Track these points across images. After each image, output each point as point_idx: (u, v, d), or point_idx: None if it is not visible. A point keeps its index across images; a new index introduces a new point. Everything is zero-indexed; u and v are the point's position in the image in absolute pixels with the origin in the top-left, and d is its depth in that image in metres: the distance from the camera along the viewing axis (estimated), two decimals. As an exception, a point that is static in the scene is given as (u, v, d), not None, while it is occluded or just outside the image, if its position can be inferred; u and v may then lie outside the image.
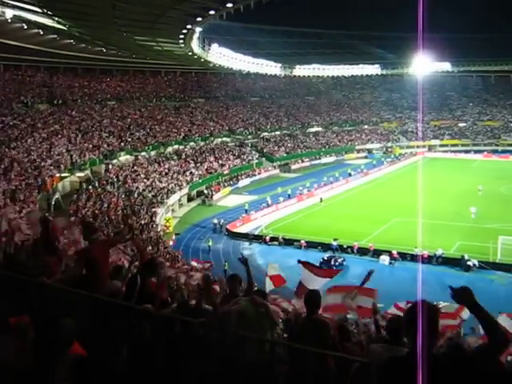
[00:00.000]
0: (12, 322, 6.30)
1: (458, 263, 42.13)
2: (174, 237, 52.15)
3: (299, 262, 15.29)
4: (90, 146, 63.67)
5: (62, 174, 53.67)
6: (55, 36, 58.21)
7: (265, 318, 6.41)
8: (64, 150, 58.34)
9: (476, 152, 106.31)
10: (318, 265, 18.24)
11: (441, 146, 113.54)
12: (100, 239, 9.68)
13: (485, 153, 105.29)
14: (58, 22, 48.83)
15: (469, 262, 41.47)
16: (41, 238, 9.23)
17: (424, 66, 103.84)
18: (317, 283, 14.29)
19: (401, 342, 5.83)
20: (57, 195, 48.15)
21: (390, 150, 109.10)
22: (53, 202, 45.37)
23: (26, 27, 52.81)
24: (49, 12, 43.99)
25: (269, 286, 17.35)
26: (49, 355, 6.38)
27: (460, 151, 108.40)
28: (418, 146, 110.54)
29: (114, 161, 64.61)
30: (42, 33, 55.79)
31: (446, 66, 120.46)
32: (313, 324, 6.19)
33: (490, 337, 3.79)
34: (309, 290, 6.61)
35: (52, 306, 6.88)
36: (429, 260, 42.23)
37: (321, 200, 65.36)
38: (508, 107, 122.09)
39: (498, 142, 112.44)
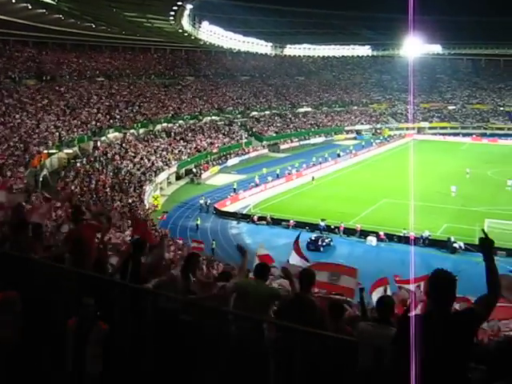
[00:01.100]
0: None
1: (444, 245, 42.49)
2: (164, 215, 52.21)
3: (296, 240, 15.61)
4: (79, 122, 63.31)
5: (50, 151, 53.34)
6: (44, 10, 57.46)
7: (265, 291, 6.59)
8: (52, 127, 57.97)
9: (465, 135, 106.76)
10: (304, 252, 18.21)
11: (430, 128, 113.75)
12: (88, 222, 9.83)
13: (473, 136, 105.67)
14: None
15: (455, 244, 41.84)
16: (14, 222, 9.21)
17: (415, 48, 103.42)
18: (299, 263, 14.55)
19: (389, 322, 5.88)
20: (44, 172, 47.94)
21: (379, 131, 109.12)
22: (40, 179, 45.17)
23: (14, 1, 52.08)
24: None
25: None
26: (37, 330, 6.39)
27: (449, 134, 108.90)
28: (407, 128, 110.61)
29: (103, 138, 64.26)
30: (30, 7, 55.03)
31: (437, 49, 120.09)
32: (300, 302, 6.22)
33: (490, 287, 4.48)
34: (303, 269, 6.65)
35: (40, 281, 6.89)
36: (415, 242, 42.44)
37: (312, 179, 65.86)
38: (497, 91, 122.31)
39: (487, 125, 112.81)
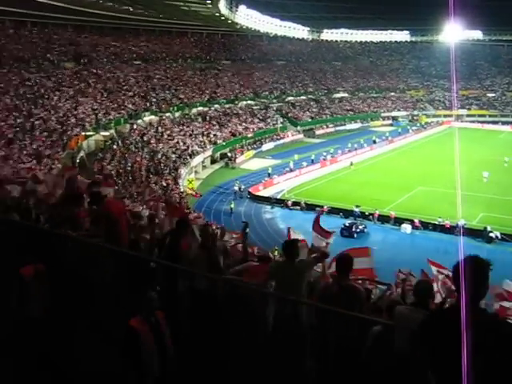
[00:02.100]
0: (26, 271, 6.38)
1: (480, 234, 41.80)
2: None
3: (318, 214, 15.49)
4: (115, 105, 63.88)
5: (87, 133, 54.02)
6: (83, -7, 57.97)
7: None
8: (89, 109, 58.60)
9: (504, 123, 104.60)
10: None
11: (468, 115, 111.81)
12: (112, 199, 9.95)
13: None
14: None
15: (491, 234, 41.17)
16: (66, 192, 9.45)
17: (454, 33, 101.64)
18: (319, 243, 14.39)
19: (427, 306, 5.82)
20: (81, 153, 48.55)
21: (415, 118, 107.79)
22: (77, 160, 45.76)
23: (53, -16, 52.60)
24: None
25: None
26: (64, 304, 6.42)
27: (487, 122, 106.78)
28: (444, 116, 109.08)
29: (139, 121, 64.78)
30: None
31: (477, 35, 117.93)
32: (347, 292, 6.17)
33: None
34: (339, 254, 6.54)
35: (74, 257, 6.95)
36: (451, 230, 41.98)
37: (351, 164, 65.70)
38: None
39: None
